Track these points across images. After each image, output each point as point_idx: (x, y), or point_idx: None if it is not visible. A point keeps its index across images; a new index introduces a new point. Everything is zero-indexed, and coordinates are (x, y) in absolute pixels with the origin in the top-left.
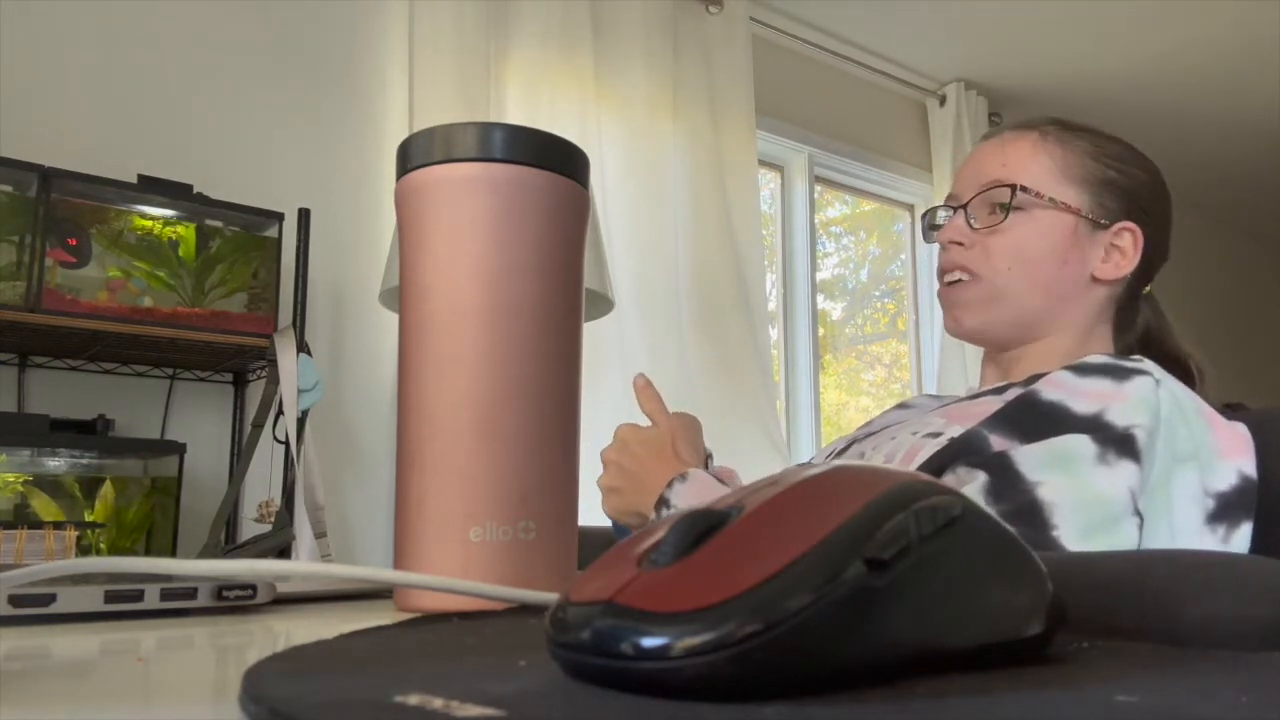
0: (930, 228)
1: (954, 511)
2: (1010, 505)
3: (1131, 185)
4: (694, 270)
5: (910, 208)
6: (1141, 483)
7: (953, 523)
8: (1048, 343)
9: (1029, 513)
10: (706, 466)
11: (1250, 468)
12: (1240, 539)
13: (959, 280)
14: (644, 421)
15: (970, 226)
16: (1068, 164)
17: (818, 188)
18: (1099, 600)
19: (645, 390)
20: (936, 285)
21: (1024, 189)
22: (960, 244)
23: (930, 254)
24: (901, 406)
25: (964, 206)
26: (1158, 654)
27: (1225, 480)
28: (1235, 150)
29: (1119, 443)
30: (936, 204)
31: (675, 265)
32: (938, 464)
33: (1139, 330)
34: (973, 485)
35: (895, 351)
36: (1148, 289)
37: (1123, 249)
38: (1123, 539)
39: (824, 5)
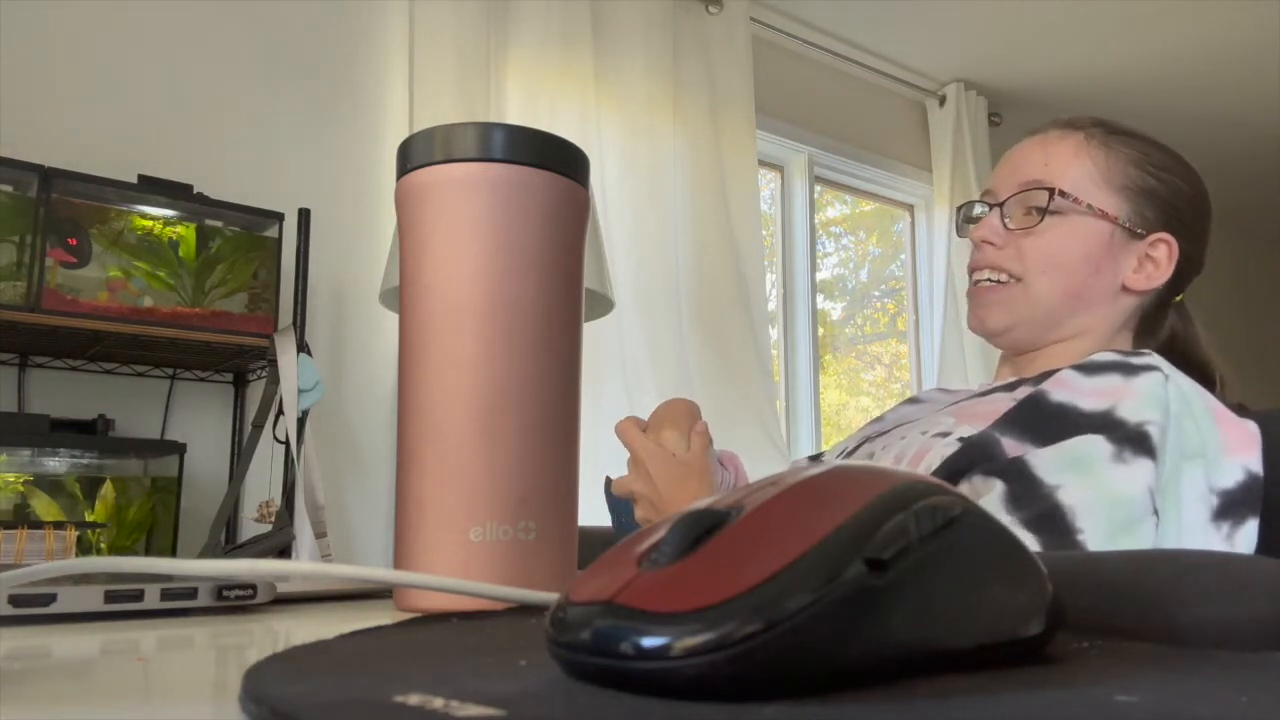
0: (966, 221)
1: (954, 511)
2: (1031, 512)
3: (1172, 196)
4: (694, 270)
5: (910, 208)
6: (1157, 480)
7: (952, 523)
8: (1067, 345)
9: (1052, 519)
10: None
11: (1257, 464)
12: (1245, 537)
13: (989, 281)
14: (644, 412)
15: (1005, 226)
16: (1110, 170)
17: (818, 188)
18: (1099, 600)
19: (629, 432)
20: (966, 282)
21: (1063, 193)
22: (993, 244)
23: (930, 254)
24: (912, 401)
25: (1000, 205)
26: (1158, 654)
27: (1231, 477)
28: (1235, 150)
29: (1134, 440)
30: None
31: (675, 265)
32: (951, 470)
33: (1162, 339)
34: (991, 495)
35: (895, 351)
36: (1179, 298)
37: (1156, 260)
38: (1144, 539)
39: (824, 5)
